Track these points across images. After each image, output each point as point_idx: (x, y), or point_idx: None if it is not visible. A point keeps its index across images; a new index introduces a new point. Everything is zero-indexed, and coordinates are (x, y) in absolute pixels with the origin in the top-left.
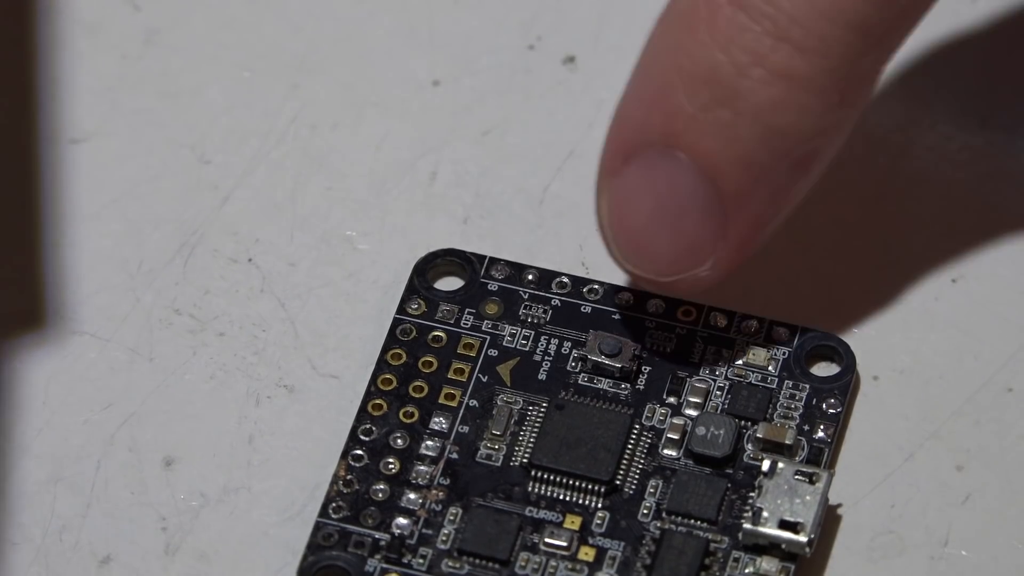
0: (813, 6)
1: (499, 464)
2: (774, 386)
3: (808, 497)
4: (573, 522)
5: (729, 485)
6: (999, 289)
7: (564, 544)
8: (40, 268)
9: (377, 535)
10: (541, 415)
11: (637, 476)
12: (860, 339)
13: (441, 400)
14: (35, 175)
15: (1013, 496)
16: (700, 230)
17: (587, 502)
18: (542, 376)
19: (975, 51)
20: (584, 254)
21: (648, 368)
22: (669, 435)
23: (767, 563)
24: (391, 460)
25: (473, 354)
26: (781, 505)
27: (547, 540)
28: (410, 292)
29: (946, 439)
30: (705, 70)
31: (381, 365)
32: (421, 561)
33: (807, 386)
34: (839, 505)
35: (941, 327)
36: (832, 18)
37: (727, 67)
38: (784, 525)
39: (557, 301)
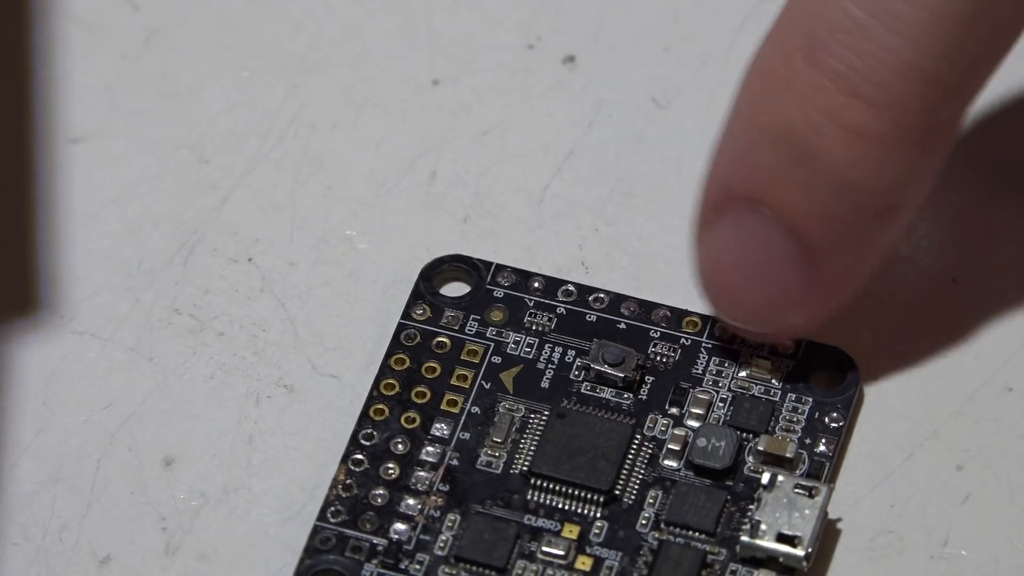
0: (884, 64)
1: (499, 471)
2: (777, 399)
3: (807, 511)
4: (571, 531)
5: (728, 497)
6: (999, 289)
7: (561, 553)
8: (40, 268)
9: (375, 540)
10: (542, 423)
11: (637, 486)
12: (860, 339)
13: (443, 406)
14: (35, 175)
15: (1013, 496)
16: (787, 282)
17: (586, 511)
18: (545, 384)
19: None
20: (584, 254)
21: (651, 378)
22: (670, 446)
23: None
24: (391, 465)
25: (477, 361)
26: (780, 518)
27: (544, 549)
28: (415, 297)
29: (946, 439)
30: (783, 129)
31: (384, 370)
32: (418, 567)
33: (810, 399)
34: (839, 520)
35: (941, 327)
36: (904, 74)
37: (803, 126)
38: (782, 538)
39: (562, 309)
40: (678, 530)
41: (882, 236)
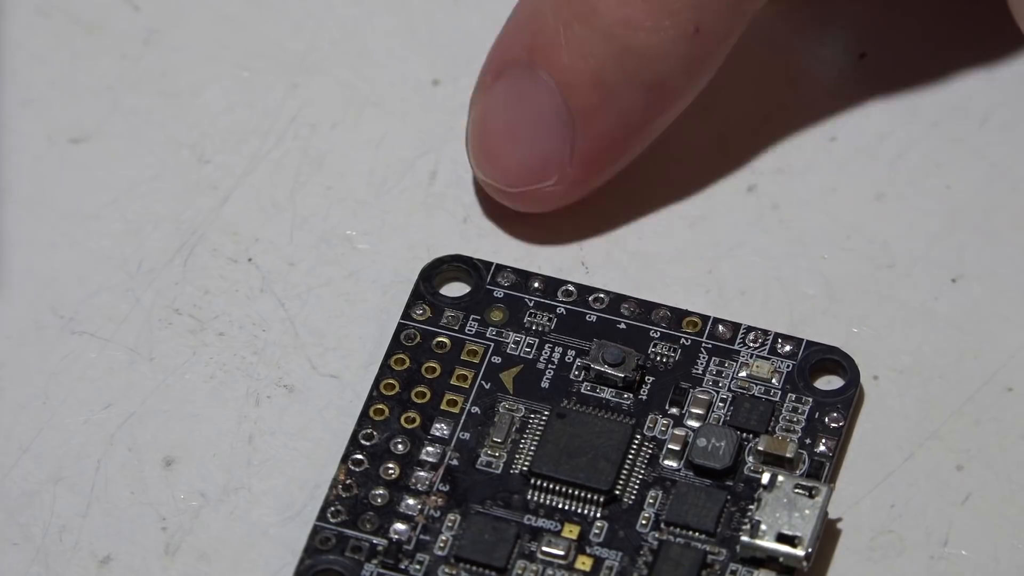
0: None
1: (499, 472)
2: (777, 399)
3: (807, 511)
4: (571, 531)
5: (728, 497)
6: (999, 289)
7: (561, 553)
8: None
9: (375, 540)
10: (542, 423)
11: (637, 486)
12: (860, 339)
13: (443, 406)
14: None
15: (1013, 496)
16: (549, 144)
17: (586, 511)
18: (545, 384)
19: (979, 53)
20: (584, 254)
21: (651, 378)
22: (670, 446)
23: None
24: (391, 465)
25: (477, 361)
26: (780, 518)
27: (544, 548)
28: (415, 297)
29: (946, 439)
30: None
31: (384, 370)
32: (418, 567)
33: (810, 399)
34: (839, 520)
35: (941, 327)
36: None
37: None
38: (782, 539)
39: (562, 309)
40: (678, 530)
41: (647, 113)
